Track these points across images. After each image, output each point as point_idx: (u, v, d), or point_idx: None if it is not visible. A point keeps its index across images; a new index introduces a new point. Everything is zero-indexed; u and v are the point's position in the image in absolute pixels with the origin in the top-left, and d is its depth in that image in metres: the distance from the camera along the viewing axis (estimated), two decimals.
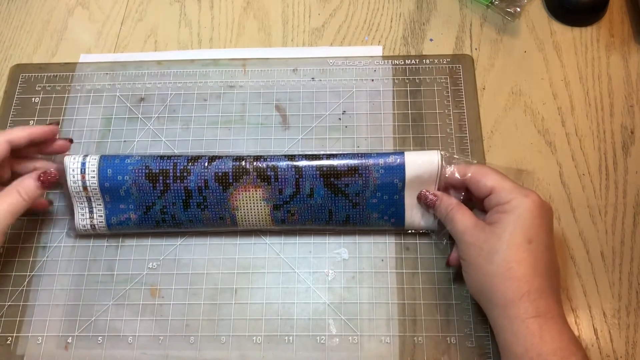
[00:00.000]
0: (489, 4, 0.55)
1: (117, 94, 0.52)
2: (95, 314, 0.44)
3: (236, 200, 0.44)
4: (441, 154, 0.43)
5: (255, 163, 0.44)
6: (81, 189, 0.44)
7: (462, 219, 0.40)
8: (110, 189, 0.44)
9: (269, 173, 0.43)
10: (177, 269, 0.45)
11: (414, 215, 0.44)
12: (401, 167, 0.43)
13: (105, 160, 0.44)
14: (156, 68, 0.53)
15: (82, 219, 0.45)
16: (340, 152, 0.45)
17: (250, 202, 0.44)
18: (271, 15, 0.57)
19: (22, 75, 0.54)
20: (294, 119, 0.51)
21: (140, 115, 0.51)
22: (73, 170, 0.43)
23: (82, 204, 0.44)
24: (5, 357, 0.43)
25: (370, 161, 0.43)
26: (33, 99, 0.52)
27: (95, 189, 0.44)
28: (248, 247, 0.46)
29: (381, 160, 0.43)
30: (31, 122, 0.51)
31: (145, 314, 0.44)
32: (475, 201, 0.43)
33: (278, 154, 0.45)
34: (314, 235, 0.46)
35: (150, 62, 0.54)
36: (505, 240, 0.37)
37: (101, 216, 0.45)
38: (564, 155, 0.49)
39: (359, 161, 0.43)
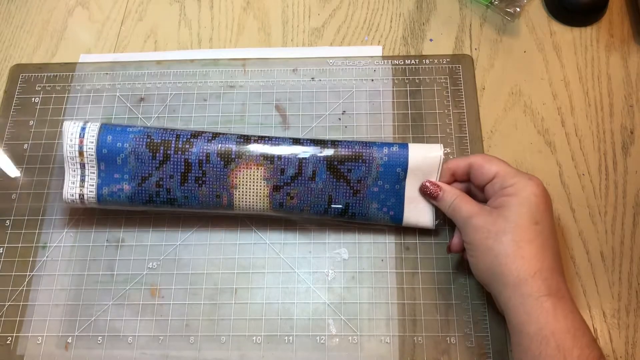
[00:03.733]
0: (489, 4, 0.55)
1: (117, 94, 0.52)
2: (95, 314, 0.44)
3: (236, 178, 0.43)
4: (443, 148, 0.43)
5: (259, 141, 0.43)
6: (77, 154, 0.42)
7: (467, 205, 0.40)
8: (107, 156, 0.43)
9: (272, 152, 0.43)
10: (177, 269, 0.45)
11: (412, 209, 0.44)
12: (404, 156, 0.43)
13: (106, 127, 0.43)
14: (156, 68, 0.53)
15: (71, 187, 0.43)
16: (346, 140, 0.45)
17: (250, 181, 0.43)
18: (271, 15, 0.57)
19: (22, 75, 0.54)
20: (294, 119, 0.51)
21: (140, 115, 0.51)
22: (72, 134, 0.42)
23: (74, 171, 0.43)
24: (5, 357, 0.43)
25: (375, 148, 0.43)
26: (33, 99, 0.52)
27: (92, 155, 0.42)
28: (248, 247, 0.46)
29: (385, 149, 0.43)
30: (31, 122, 0.51)
31: (145, 314, 0.44)
32: (476, 191, 0.43)
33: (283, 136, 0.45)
34: (314, 235, 0.46)
35: (150, 62, 0.54)
36: (513, 221, 0.37)
37: (92, 185, 0.43)
38: (563, 155, 0.49)
39: (363, 147, 0.43)
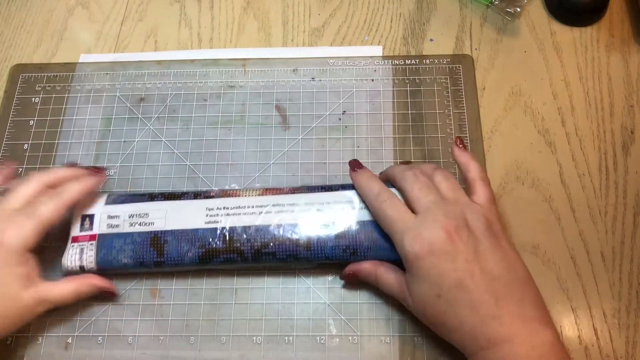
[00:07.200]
0: (489, 4, 0.55)
1: (117, 94, 0.52)
2: (95, 314, 0.44)
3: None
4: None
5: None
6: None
7: (386, 282, 0.40)
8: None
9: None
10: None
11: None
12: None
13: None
14: (156, 68, 0.53)
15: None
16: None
17: None
18: (271, 15, 0.57)
19: (22, 75, 0.54)
20: (294, 119, 0.51)
21: (140, 115, 0.51)
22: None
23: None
24: (5, 357, 0.43)
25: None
26: (33, 99, 0.52)
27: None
28: None
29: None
30: (31, 122, 0.51)
31: (145, 314, 0.44)
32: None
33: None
34: None
35: (150, 62, 0.54)
36: (419, 304, 0.37)
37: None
38: (564, 155, 0.49)
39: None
